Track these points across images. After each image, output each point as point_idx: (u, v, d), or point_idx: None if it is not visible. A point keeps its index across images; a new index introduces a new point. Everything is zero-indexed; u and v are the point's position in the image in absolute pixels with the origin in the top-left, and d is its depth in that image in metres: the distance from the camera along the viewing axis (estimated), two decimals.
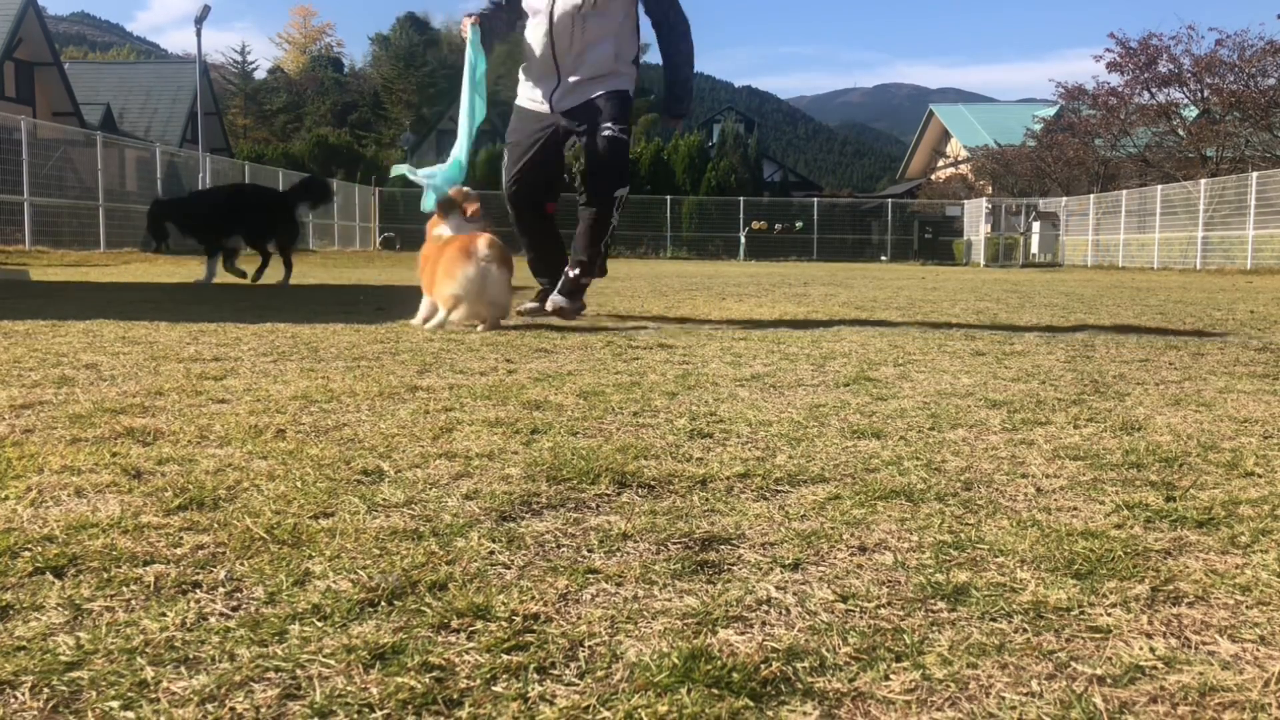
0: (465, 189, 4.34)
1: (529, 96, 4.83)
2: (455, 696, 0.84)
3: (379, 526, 1.29)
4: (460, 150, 4.59)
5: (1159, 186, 24.36)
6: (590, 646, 0.94)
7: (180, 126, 38.09)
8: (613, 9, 4.56)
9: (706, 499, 1.46)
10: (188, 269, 9.72)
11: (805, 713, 0.82)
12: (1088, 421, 2.11)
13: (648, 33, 4.89)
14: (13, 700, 0.82)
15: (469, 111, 4.69)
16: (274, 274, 7.57)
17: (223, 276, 7.52)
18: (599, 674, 0.88)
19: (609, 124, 4.63)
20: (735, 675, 0.88)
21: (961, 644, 0.95)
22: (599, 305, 5.57)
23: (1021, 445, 1.86)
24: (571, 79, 4.66)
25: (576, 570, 1.14)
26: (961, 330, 4.29)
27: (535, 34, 4.72)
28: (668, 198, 32.46)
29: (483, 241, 3.84)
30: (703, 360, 3.10)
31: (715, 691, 0.85)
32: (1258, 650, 0.95)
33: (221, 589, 1.07)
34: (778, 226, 33.74)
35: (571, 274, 4.65)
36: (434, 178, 4.47)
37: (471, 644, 0.94)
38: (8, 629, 0.96)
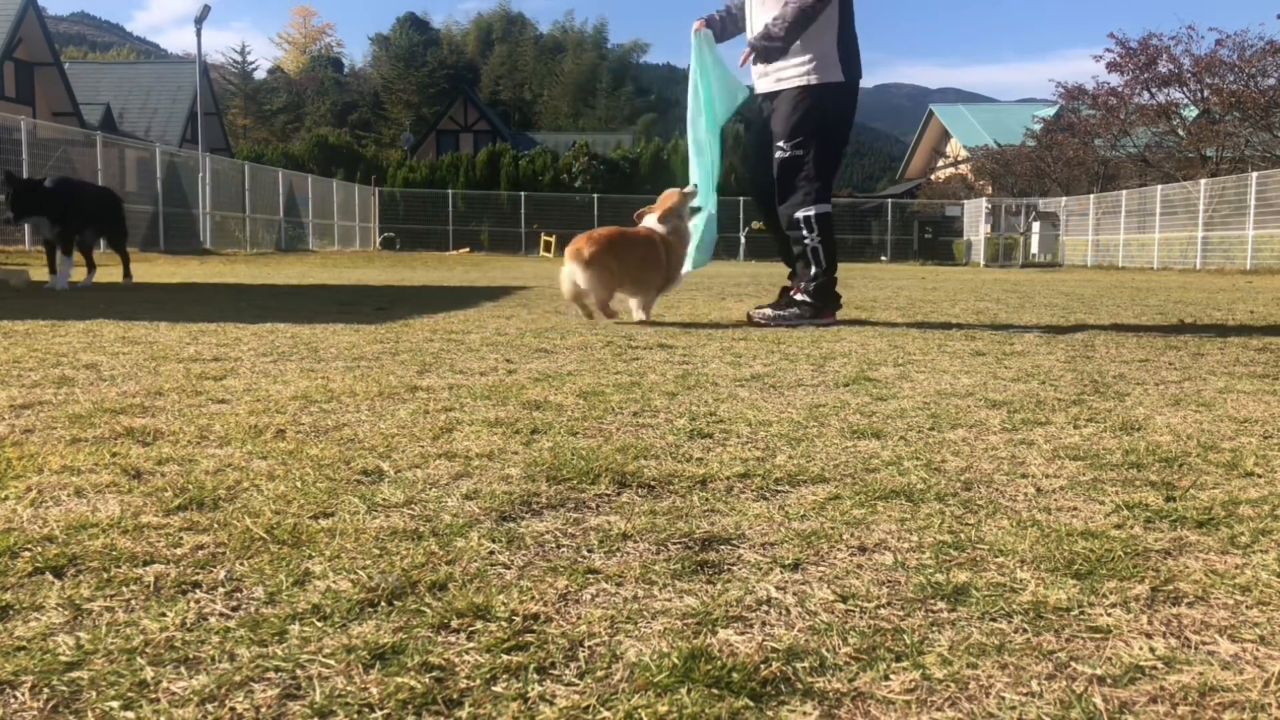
0: (686, 191, 4.49)
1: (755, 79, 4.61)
2: (455, 696, 0.84)
3: (379, 526, 1.28)
4: (705, 198, 4.45)
5: (1159, 186, 24.37)
6: (590, 646, 0.94)
7: (180, 126, 38.08)
8: None
9: (706, 499, 1.46)
10: (188, 269, 9.71)
11: (805, 713, 0.82)
12: (1088, 421, 2.11)
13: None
14: (13, 700, 0.82)
15: (695, 140, 4.42)
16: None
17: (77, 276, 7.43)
18: (599, 674, 0.88)
19: (780, 143, 4.42)
20: (735, 675, 0.87)
21: (961, 644, 0.95)
22: None
23: (1021, 445, 1.86)
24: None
25: (576, 570, 1.14)
26: (961, 330, 4.29)
27: (746, 8, 4.51)
28: None
29: (571, 245, 4.23)
30: (703, 360, 3.10)
31: (715, 691, 0.85)
32: (1258, 650, 0.95)
33: (221, 589, 1.07)
34: None
35: (791, 293, 4.56)
36: (696, 244, 4.50)
37: (471, 644, 0.94)
38: (8, 629, 0.96)
